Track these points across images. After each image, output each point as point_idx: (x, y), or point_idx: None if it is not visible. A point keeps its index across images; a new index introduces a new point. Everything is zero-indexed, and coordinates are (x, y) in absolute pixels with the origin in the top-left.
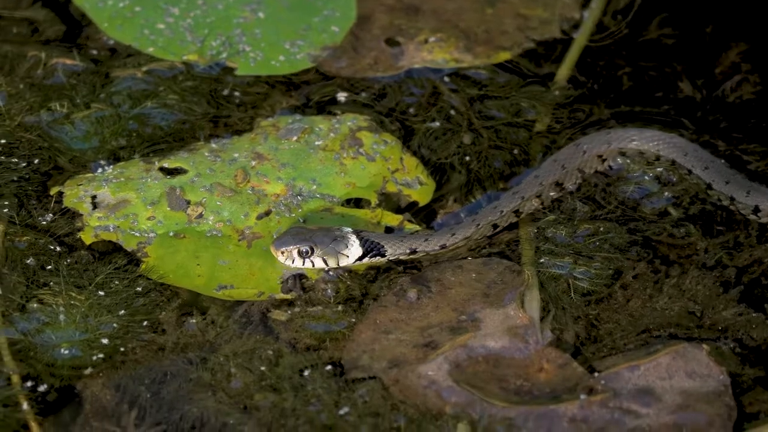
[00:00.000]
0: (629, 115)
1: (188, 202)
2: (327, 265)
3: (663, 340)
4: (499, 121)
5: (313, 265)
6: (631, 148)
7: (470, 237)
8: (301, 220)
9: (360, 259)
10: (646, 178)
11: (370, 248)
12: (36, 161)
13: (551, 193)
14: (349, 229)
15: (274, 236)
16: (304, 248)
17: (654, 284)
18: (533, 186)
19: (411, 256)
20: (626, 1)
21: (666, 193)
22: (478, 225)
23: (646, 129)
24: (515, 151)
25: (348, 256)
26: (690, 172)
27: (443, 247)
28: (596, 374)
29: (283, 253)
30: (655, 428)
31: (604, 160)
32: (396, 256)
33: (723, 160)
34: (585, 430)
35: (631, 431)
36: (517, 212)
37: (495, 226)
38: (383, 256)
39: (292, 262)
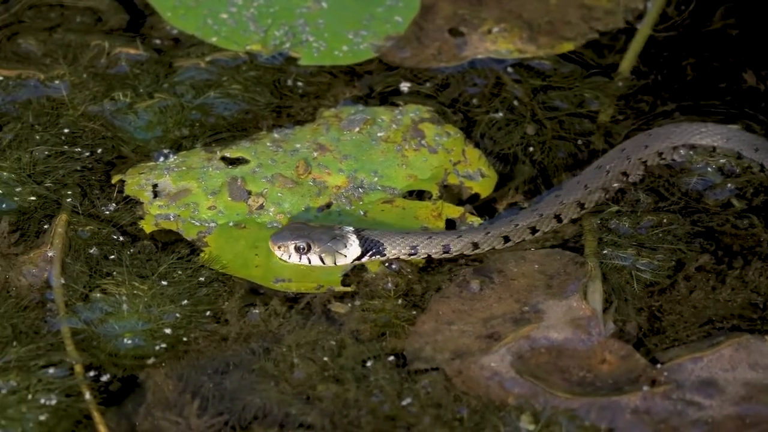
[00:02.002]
0: (693, 106)
1: (249, 193)
2: (324, 263)
3: (726, 332)
4: (563, 112)
5: (310, 262)
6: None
7: (479, 244)
8: (362, 213)
9: (359, 258)
10: (709, 169)
11: (369, 247)
12: (99, 151)
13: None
14: (350, 228)
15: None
16: (301, 244)
17: (717, 276)
18: (552, 205)
19: (412, 257)
20: None
21: (729, 185)
22: (488, 233)
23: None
24: (579, 142)
25: (345, 256)
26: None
27: (446, 249)
28: (659, 366)
29: (279, 247)
30: (718, 420)
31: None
32: (396, 255)
33: None
34: (647, 422)
35: (694, 423)
36: (534, 229)
37: (506, 238)
38: (383, 255)
39: (289, 258)
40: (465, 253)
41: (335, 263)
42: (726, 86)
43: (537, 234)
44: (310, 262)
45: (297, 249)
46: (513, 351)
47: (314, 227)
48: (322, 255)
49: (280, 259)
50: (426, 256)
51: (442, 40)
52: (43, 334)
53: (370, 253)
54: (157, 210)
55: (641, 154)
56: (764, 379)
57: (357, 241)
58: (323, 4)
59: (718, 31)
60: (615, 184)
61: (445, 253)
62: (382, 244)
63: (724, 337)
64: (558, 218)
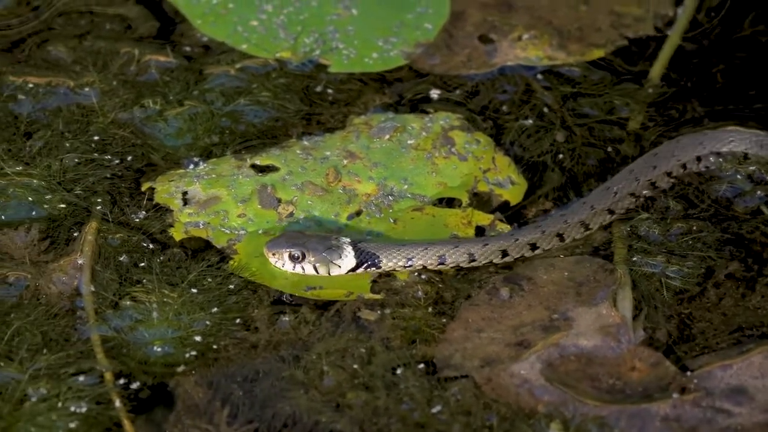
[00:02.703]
0: (723, 113)
1: (279, 201)
2: (318, 273)
3: (755, 339)
4: (593, 119)
5: (304, 271)
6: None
7: (474, 255)
8: (392, 221)
9: (354, 269)
10: (739, 177)
11: (364, 259)
12: (129, 158)
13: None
14: (347, 240)
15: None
16: (295, 253)
17: (746, 283)
18: (556, 222)
19: (408, 268)
20: None
21: (758, 192)
22: (486, 244)
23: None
24: (609, 149)
25: (340, 266)
26: None
27: (441, 260)
28: (689, 373)
29: (274, 254)
30: (747, 427)
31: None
32: (392, 268)
33: None
34: (677, 429)
35: (724, 430)
36: (534, 245)
37: (504, 252)
38: (378, 267)
39: (283, 266)
40: (462, 265)
41: (329, 273)
42: (756, 93)
43: (537, 251)
44: (304, 271)
45: (291, 257)
46: (543, 358)
47: (310, 236)
48: (317, 264)
49: (274, 266)
50: (421, 267)
51: (472, 47)
52: (73, 341)
53: (366, 265)
54: (186, 218)
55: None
56: None
57: (352, 253)
58: (353, 11)
59: (748, 37)
60: (645, 191)
61: (440, 264)
62: (378, 257)
63: (754, 345)
64: (561, 237)
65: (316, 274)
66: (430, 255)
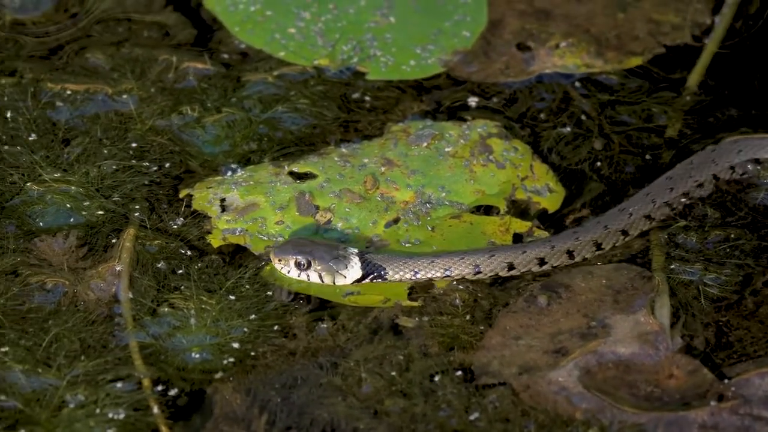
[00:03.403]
0: (761, 120)
1: (317, 208)
2: (323, 282)
3: None
4: (630, 127)
5: (309, 279)
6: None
7: (480, 267)
8: (430, 228)
9: (359, 280)
10: None
11: (371, 271)
12: (167, 165)
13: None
14: (354, 250)
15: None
16: (301, 260)
17: None
18: (567, 238)
19: (415, 279)
20: (757, 5)
21: None
22: (492, 255)
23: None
24: (647, 157)
25: (345, 277)
26: None
27: (447, 272)
28: (726, 381)
29: (280, 260)
30: None
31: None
32: (398, 279)
33: None
34: None
35: None
36: (542, 260)
37: (511, 266)
38: (384, 279)
39: (288, 272)
40: (467, 277)
41: (334, 283)
42: None
43: (545, 266)
44: (309, 279)
45: (297, 264)
46: (580, 366)
47: (318, 244)
48: (322, 273)
49: (280, 272)
50: (428, 279)
51: (510, 54)
52: (111, 348)
53: (372, 276)
54: (224, 224)
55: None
56: None
57: (359, 264)
58: (391, 18)
59: None
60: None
61: (446, 276)
62: (384, 268)
63: None
64: (570, 255)
65: (321, 282)
66: (436, 268)
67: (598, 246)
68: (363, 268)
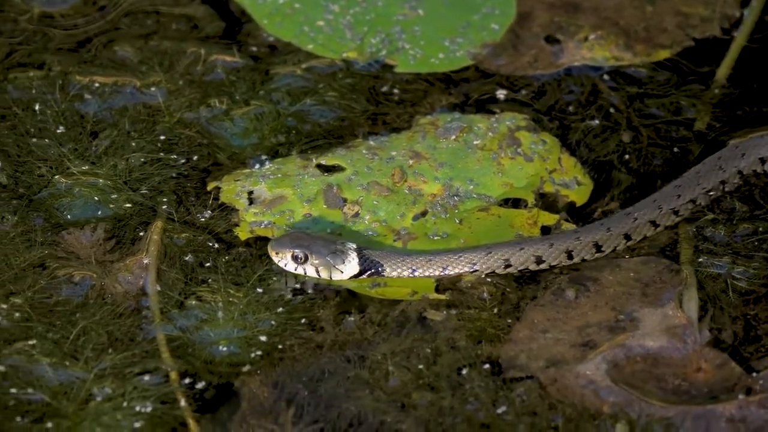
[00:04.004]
0: None
1: (345, 201)
2: (319, 276)
3: None
4: (659, 120)
5: (305, 273)
6: None
7: (476, 266)
8: (457, 221)
9: (356, 276)
10: None
11: (368, 267)
12: (195, 158)
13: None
14: (353, 245)
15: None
16: (299, 254)
17: None
18: (567, 238)
19: (412, 277)
20: None
21: None
22: (489, 252)
23: None
24: (675, 150)
25: (342, 272)
26: None
27: (444, 271)
28: (754, 374)
29: (277, 253)
30: None
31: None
32: (394, 277)
33: None
34: (743, 431)
35: None
36: (540, 259)
37: (508, 265)
38: (381, 275)
39: (285, 266)
40: (464, 275)
41: (330, 278)
42: None
43: (542, 264)
44: (305, 273)
45: (294, 258)
46: (608, 359)
47: (316, 238)
48: (319, 267)
49: (277, 265)
50: (425, 277)
51: (539, 47)
52: (138, 341)
53: (369, 272)
54: (252, 217)
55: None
56: None
57: (357, 259)
58: (420, 11)
59: None
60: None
61: (443, 274)
62: (382, 265)
63: None
64: (569, 255)
65: (317, 277)
66: (434, 267)
67: (628, 238)
68: (361, 263)
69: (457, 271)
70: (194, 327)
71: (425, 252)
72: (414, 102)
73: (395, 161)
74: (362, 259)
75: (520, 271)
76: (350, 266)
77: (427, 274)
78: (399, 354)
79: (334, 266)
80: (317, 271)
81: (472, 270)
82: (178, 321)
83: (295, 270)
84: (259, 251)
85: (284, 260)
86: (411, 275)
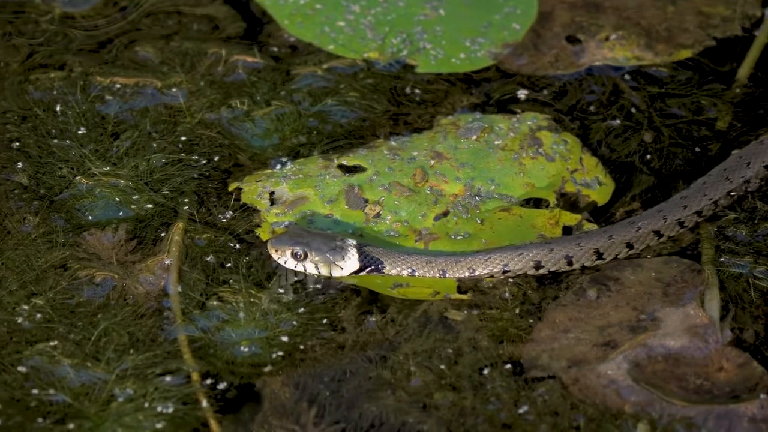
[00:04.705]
0: None
1: (366, 201)
2: (319, 273)
3: None
4: (680, 120)
5: (305, 270)
6: None
7: (475, 271)
8: (479, 221)
9: (357, 272)
10: None
11: (368, 263)
12: (216, 158)
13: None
14: (353, 242)
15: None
16: (298, 251)
17: None
18: (568, 243)
19: (412, 277)
20: None
21: None
22: (488, 257)
23: None
24: (696, 150)
25: (342, 268)
26: None
27: (443, 274)
28: None
29: (277, 251)
30: None
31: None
32: (394, 275)
33: None
34: (765, 430)
35: None
36: (538, 264)
37: (506, 270)
38: (381, 272)
39: (285, 263)
40: (463, 279)
41: (330, 274)
42: None
43: (541, 270)
44: (305, 270)
45: (294, 255)
46: (630, 359)
47: (316, 234)
48: (319, 264)
49: (276, 262)
50: (425, 278)
51: (560, 47)
52: (160, 342)
53: (369, 269)
54: (273, 218)
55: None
56: None
57: (356, 256)
58: (441, 11)
59: None
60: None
61: (441, 276)
62: (382, 262)
63: None
64: (569, 261)
65: (317, 273)
66: (434, 269)
67: (658, 235)
68: (361, 260)
69: (456, 275)
70: (216, 328)
71: (426, 252)
72: (435, 102)
73: (416, 161)
74: (362, 255)
75: (517, 275)
76: (350, 263)
77: (427, 275)
78: (421, 354)
79: (334, 263)
80: (317, 268)
81: (471, 274)
82: (200, 322)
83: (295, 267)
84: None
85: (283, 258)
86: (410, 275)
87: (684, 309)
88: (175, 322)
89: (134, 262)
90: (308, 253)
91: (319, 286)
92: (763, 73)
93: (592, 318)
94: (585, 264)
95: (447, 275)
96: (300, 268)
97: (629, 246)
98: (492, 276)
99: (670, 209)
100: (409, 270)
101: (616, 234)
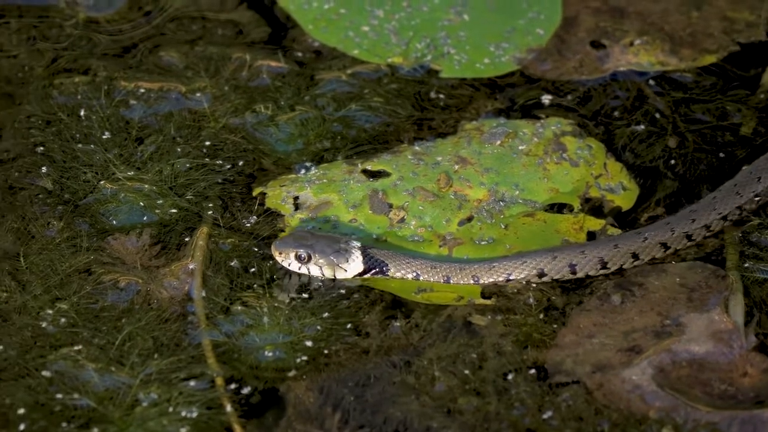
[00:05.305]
0: None
1: (390, 206)
2: (323, 275)
3: None
4: (705, 125)
5: (309, 272)
6: None
7: (479, 279)
8: (503, 226)
9: (361, 274)
10: None
11: (372, 266)
12: (240, 163)
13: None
14: (357, 243)
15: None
16: (302, 253)
17: None
18: (570, 252)
19: (417, 280)
20: None
21: None
22: (492, 266)
23: None
24: (721, 155)
25: (346, 270)
26: None
27: (447, 280)
28: None
29: (281, 253)
30: None
31: None
32: (398, 278)
33: None
34: None
35: None
36: (542, 272)
37: (510, 278)
38: (385, 275)
39: (289, 265)
40: (468, 284)
41: (334, 276)
42: None
43: (544, 278)
44: (309, 272)
45: (298, 257)
46: (654, 364)
47: (320, 237)
48: (323, 267)
49: (281, 265)
50: (429, 281)
51: (584, 52)
52: (184, 346)
53: (373, 271)
54: (297, 222)
55: None
56: None
57: (361, 258)
58: (465, 16)
59: None
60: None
61: (446, 282)
62: (386, 265)
63: None
64: (573, 268)
65: (321, 276)
66: (438, 274)
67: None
68: (365, 262)
69: (460, 282)
70: (240, 332)
71: (432, 258)
72: (459, 107)
73: (441, 166)
74: (366, 257)
75: (518, 282)
76: (354, 265)
77: (431, 279)
78: (445, 359)
79: (338, 265)
80: (321, 270)
81: (474, 282)
82: (224, 326)
83: (299, 269)
84: None
85: (287, 260)
86: (415, 278)
87: (708, 314)
88: (199, 326)
89: (158, 267)
90: (312, 256)
91: (343, 291)
92: None
93: (617, 323)
94: (589, 273)
95: (451, 281)
96: (304, 270)
97: (634, 256)
98: (495, 283)
99: (677, 222)
100: (414, 274)
101: (622, 244)
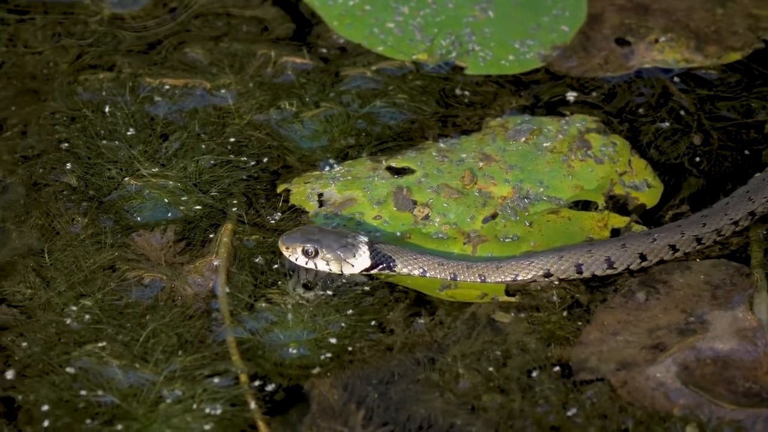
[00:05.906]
0: None
1: (415, 203)
2: (330, 270)
3: None
4: (730, 122)
5: (316, 267)
6: None
7: (486, 278)
8: (527, 224)
9: (368, 270)
10: None
11: (380, 261)
12: (265, 160)
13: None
14: (364, 239)
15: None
16: (309, 248)
17: None
18: (578, 251)
19: (424, 277)
20: None
21: None
22: (499, 266)
23: None
24: (746, 152)
25: (353, 266)
26: None
27: (454, 277)
28: None
29: (288, 248)
30: None
31: None
32: (406, 274)
33: None
34: None
35: None
36: (548, 273)
37: (516, 278)
38: (392, 270)
39: (296, 260)
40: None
41: (341, 271)
42: None
43: (551, 278)
44: (316, 267)
45: (305, 252)
46: (678, 362)
47: (328, 232)
48: (329, 262)
49: (288, 260)
50: (436, 278)
51: (609, 49)
52: (208, 343)
53: (380, 267)
54: (322, 219)
55: None
56: None
57: (368, 253)
58: (490, 13)
59: None
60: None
61: (453, 280)
62: (394, 260)
63: None
64: (579, 268)
65: (328, 271)
66: (446, 271)
67: (699, 241)
68: (372, 257)
69: (468, 280)
70: (264, 329)
71: (440, 254)
72: (484, 104)
73: (465, 163)
74: (373, 253)
75: (522, 282)
76: (361, 260)
77: (438, 276)
78: (469, 356)
79: (345, 260)
80: (328, 265)
81: (481, 281)
82: (248, 323)
83: (306, 264)
84: None
85: (294, 255)
86: (422, 275)
87: (733, 312)
88: (223, 323)
89: (183, 264)
90: (319, 251)
91: (367, 288)
92: None
93: (641, 320)
94: (596, 273)
95: (458, 279)
96: (311, 265)
97: (642, 257)
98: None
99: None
100: (421, 270)
101: (630, 244)
